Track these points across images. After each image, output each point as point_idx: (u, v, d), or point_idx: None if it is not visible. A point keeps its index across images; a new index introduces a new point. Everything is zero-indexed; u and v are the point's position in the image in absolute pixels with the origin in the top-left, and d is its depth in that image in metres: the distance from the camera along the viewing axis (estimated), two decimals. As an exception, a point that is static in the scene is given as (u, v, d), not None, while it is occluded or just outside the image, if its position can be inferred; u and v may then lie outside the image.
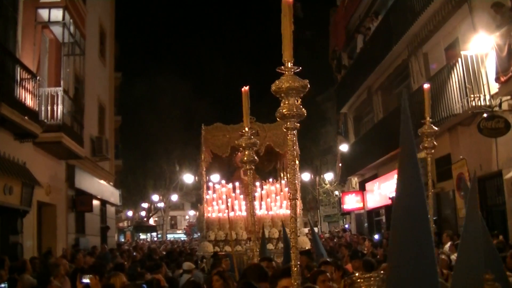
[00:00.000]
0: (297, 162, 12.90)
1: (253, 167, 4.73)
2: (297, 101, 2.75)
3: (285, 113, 2.73)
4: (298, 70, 2.75)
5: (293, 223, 2.77)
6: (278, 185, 13.13)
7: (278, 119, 2.80)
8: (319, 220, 42.76)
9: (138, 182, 48.90)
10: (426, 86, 4.59)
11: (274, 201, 12.58)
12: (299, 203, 12.95)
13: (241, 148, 4.51)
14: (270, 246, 11.76)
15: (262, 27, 70.56)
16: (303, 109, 2.77)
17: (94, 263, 9.34)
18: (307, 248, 11.58)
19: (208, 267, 11.06)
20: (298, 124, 2.79)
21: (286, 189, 12.99)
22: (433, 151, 4.38)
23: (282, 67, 2.76)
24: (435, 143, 4.36)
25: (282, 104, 2.76)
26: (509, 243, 11.34)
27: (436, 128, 4.39)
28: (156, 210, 57.26)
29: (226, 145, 13.01)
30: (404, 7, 18.31)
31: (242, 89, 4.43)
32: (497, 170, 13.61)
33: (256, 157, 4.68)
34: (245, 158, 4.50)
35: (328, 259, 8.10)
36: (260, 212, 12.34)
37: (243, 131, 4.47)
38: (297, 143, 12.11)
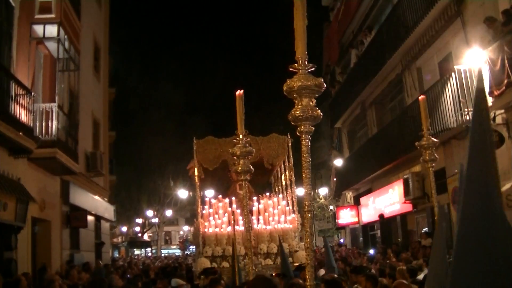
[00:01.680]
0: (293, 176, 13.02)
1: (248, 178, 4.23)
2: (312, 102, 2.41)
3: (298, 115, 2.39)
4: (313, 68, 2.43)
5: (309, 238, 2.41)
6: (275, 199, 13.07)
7: (292, 122, 2.46)
8: (314, 235, 42.70)
9: (132, 197, 48.78)
10: (421, 97, 4.56)
11: (272, 216, 12.50)
12: (297, 217, 12.89)
13: (235, 158, 4.10)
14: (268, 261, 11.69)
15: (255, 40, 70.85)
16: (319, 110, 2.42)
17: (94, 280, 9.26)
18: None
19: (205, 284, 10.97)
20: (313, 128, 2.47)
21: (284, 202, 12.95)
22: (434, 164, 4.27)
23: (295, 65, 2.42)
24: (436, 155, 4.25)
25: (295, 105, 2.41)
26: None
27: (436, 140, 4.29)
28: (150, 226, 57.04)
29: (217, 159, 12.98)
30: (397, 22, 18.44)
31: (236, 92, 4.03)
32: (492, 184, 13.64)
33: (251, 167, 4.25)
34: (240, 168, 4.03)
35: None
36: (258, 226, 12.28)
37: (237, 138, 4.04)
38: (291, 158, 11.97)
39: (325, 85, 2.41)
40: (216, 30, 73.11)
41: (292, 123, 2.46)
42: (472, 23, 14.13)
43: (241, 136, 3.95)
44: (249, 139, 4.21)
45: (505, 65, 11.61)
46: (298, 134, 2.48)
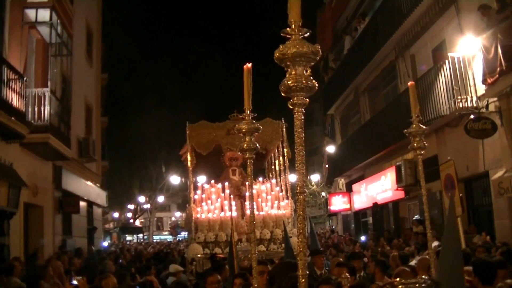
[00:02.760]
0: (287, 162, 12.98)
1: (253, 156, 3.83)
2: (306, 71, 2.17)
3: (292, 85, 2.12)
4: (307, 34, 2.19)
5: (302, 223, 2.19)
6: (268, 185, 13.02)
7: (282, 94, 2.21)
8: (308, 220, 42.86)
9: (125, 183, 48.81)
10: (410, 82, 4.46)
11: (265, 201, 12.46)
12: (290, 203, 12.86)
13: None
14: (261, 248, 11.63)
15: (248, 25, 70.70)
16: (314, 81, 2.17)
17: (86, 265, 9.28)
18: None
19: (199, 270, 10.98)
20: (308, 100, 2.21)
21: (277, 188, 12.92)
22: (423, 152, 4.16)
23: (288, 29, 2.18)
24: (425, 143, 4.14)
25: (287, 75, 2.15)
26: (495, 243, 11.42)
27: (424, 127, 4.18)
28: (142, 212, 57.10)
29: (211, 143, 12.89)
30: (392, 8, 18.40)
31: (244, 66, 3.66)
32: (484, 171, 13.72)
33: (257, 145, 3.82)
34: (245, 146, 3.67)
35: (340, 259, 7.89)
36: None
37: (244, 114, 3.69)
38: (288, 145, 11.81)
39: (320, 52, 2.15)
40: (210, 16, 72.86)
41: (283, 95, 2.19)
42: (466, 10, 14.11)
43: (248, 112, 3.62)
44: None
45: (499, 53, 11.61)
46: (290, 106, 2.18)
